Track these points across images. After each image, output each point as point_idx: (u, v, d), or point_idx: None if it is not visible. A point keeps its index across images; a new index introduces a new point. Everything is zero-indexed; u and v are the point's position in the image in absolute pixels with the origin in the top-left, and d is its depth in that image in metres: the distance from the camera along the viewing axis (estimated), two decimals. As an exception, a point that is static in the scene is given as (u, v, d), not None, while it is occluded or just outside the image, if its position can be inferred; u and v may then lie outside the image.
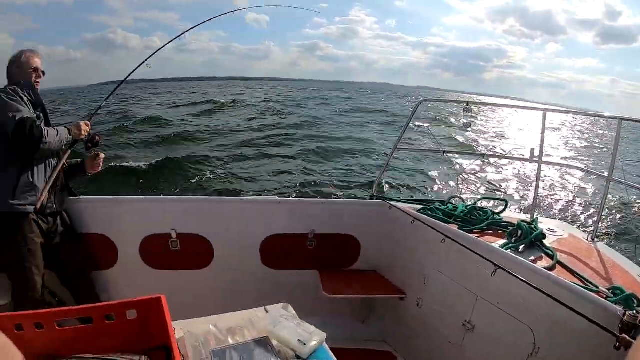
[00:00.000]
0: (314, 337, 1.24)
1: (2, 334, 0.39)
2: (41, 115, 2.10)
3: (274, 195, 7.63)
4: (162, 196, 2.45)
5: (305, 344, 1.21)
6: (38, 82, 2.20)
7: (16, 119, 1.92)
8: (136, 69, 2.56)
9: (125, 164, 10.03)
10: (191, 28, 2.82)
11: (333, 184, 9.06)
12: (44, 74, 2.24)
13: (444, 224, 2.17)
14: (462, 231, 2.09)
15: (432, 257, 2.21)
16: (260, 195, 7.75)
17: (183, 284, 2.48)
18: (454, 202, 2.59)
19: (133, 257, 2.47)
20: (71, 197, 2.35)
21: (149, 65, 2.51)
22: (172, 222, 2.43)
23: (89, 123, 2.28)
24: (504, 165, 11.37)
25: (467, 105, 2.54)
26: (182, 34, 2.83)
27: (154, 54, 2.61)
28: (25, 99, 2.06)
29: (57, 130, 2.08)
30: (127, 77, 2.61)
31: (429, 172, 10.86)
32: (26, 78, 2.16)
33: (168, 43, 2.65)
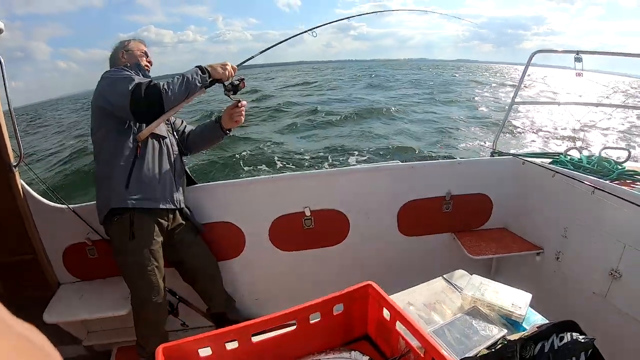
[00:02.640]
0: (523, 298, 1.16)
1: None
2: None
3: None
4: (291, 173, 2.33)
5: (520, 307, 1.11)
6: (148, 67, 2.01)
7: (129, 89, 1.68)
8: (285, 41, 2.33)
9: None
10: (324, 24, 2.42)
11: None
12: (151, 64, 2.04)
13: (589, 175, 2.09)
14: (608, 182, 2.02)
15: (575, 209, 2.12)
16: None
17: (318, 263, 2.44)
18: (571, 153, 2.51)
19: (262, 242, 2.40)
20: (189, 186, 2.20)
21: (314, 33, 2.24)
22: (305, 199, 2.35)
23: (236, 67, 1.95)
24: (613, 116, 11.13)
25: (577, 54, 2.44)
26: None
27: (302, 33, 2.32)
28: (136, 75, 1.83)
29: (180, 76, 1.79)
30: (276, 44, 2.26)
31: (536, 125, 10.80)
32: (134, 62, 1.96)
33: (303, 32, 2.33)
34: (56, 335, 2.20)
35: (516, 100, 2.55)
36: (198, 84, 1.81)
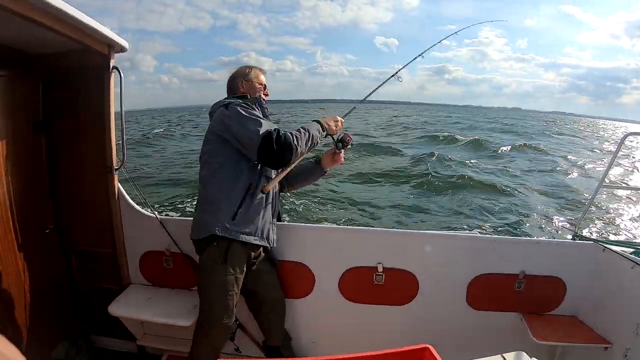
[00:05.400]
0: None
1: None
2: None
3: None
4: (370, 228, 2.44)
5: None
6: (265, 100, 2.13)
7: (260, 133, 1.80)
8: (385, 81, 2.42)
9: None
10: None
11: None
12: (267, 96, 2.18)
13: None
14: None
15: None
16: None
17: (382, 319, 2.46)
18: None
19: (331, 289, 2.45)
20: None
21: (400, 79, 2.35)
22: (379, 255, 2.39)
23: (343, 120, 2.15)
24: None
25: None
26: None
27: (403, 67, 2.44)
28: (259, 112, 1.97)
29: (305, 130, 1.93)
30: (378, 86, 2.41)
31: (627, 210, 10.22)
32: (252, 94, 2.10)
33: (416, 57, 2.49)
34: (115, 327, 2.43)
35: (605, 182, 2.46)
36: (318, 142, 2.01)
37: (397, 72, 2.35)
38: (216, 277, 1.95)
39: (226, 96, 2.15)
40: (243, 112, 1.88)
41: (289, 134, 1.85)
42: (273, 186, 2.00)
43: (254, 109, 1.95)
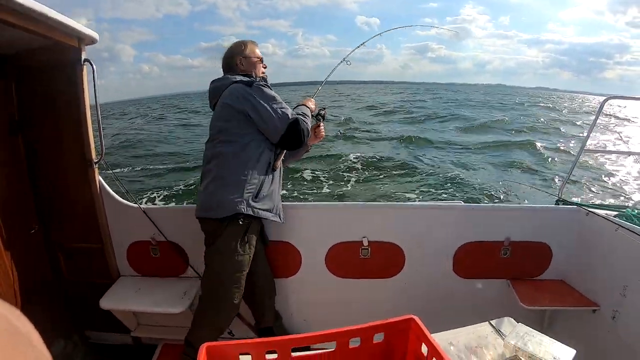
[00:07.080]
0: (567, 353, 1.16)
1: None
2: None
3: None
4: (353, 203, 2.51)
5: (562, 363, 1.11)
6: (264, 73, 2.19)
7: (289, 119, 1.91)
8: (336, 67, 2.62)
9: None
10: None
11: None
12: (265, 68, 2.22)
13: None
14: None
15: (637, 267, 2.03)
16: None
17: (370, 292, 2.50)
18: None
19: (318, 265, 2.49)
20: None
21: (349, 62, 2.57)
22: (364, 229, 2.43)
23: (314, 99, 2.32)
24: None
25: None
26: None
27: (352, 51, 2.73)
28: None
29: (307, 116, 2.06)
30: (330, 74, 2.61)
31: (609, 174, 10.41)
32: (252, 69, 2.13)
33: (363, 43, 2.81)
34: (108, 321, 2.44)
35: (586, 147, 2.49)
36: None
37: (344, 59, 2.58)
38: (235, 258, 1.96)
39: (222, 76, 2.14)
40: (270, 94, 1.95)
41: (303, 122, 1.96)
42: (279, 205, 2.11)
43: (269, 87, 1.99)
